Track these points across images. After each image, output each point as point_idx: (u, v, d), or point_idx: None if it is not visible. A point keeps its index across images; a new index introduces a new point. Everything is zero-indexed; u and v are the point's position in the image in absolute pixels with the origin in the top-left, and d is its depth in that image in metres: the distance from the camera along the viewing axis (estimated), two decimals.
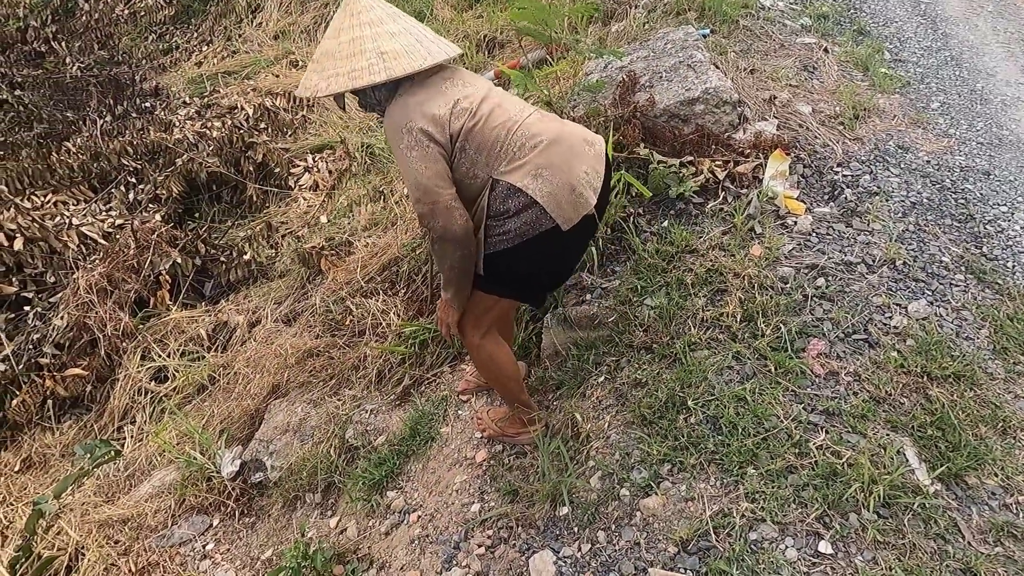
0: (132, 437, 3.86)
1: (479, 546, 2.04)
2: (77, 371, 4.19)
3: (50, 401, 4.24)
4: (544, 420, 2.31)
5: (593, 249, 2.56)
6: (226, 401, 3.44)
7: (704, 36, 3.81)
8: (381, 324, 3.14)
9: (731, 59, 3.53)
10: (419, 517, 2.26)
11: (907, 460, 1.82)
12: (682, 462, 1.90)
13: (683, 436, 1.96)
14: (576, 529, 1.90)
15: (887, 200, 2.68)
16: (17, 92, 6.85)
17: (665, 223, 2.64)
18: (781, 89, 3.36)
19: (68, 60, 7.47)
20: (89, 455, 3.67)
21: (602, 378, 2.27)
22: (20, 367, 4.30)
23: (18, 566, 3.02)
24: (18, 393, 4.24)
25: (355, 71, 1.83)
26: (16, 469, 4.06)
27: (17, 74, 7.25)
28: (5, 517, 3.66)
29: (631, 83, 2.99)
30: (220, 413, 3.38)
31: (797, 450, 1.85)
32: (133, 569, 2.76)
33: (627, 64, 3.22)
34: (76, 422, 4.20)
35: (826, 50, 3.86)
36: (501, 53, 5.85)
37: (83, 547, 3.01)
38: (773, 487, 1.78)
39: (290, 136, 6.09)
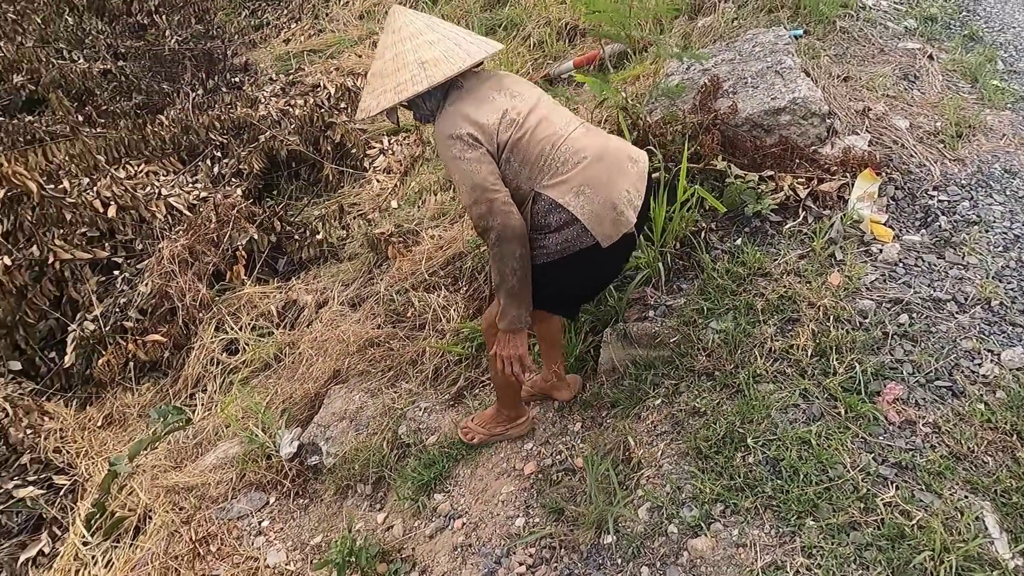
0: (202, 405, 3.98)
1: (520, 564, 1.99)
2: (157, 337, 4.34)
3: (132, 363, 4.42)
4: (531, 420, 2.37)
5: (660, 265, 2.44)
6: (289, 381, 3.49)
7: (796, 37, 3.57)
8: (441, 320, 3.11)
9: (824, 64, 3.30)
10: (463, 524, 2.23)
11: (986, 528, 1.65)
12: (736, 504, 1.79)
13: (739, 476, 1.84)
14: (619, 561, 1.82)
15: (987, 231, 2.45)
16: (120, 63, 7.12)
17: (738, 241, 2.49)
18: (877, 100, 3.11)
19: (167, 33, 7.70)
20: (163, 419, 3.82)
21: (659, 401, 2.17)
22: (107, 328, 4.49)
23: (93, 522, 3.17)
24: (104, 353, 4.43)
25: (400, 85, 1.86)
26: (99, 424, 4.26)
27: (121, 45, 7.53)
28: (86, 470, 3.85)
29: (713, 88, 2.83)
30: (283, 392, 3.44)
31: (863, 505, 1.71)
32: (193, 538, 2.84)
33: (710, 67, 3.04)
34: (154, 385, 4.36)
35: (931, 57, 3.56)
36: (582, 43, 5.67)
37: (150, 510, 3.12)
38: (833, 543, 1.65)
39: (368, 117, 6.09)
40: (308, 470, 3.01)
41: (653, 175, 2.44)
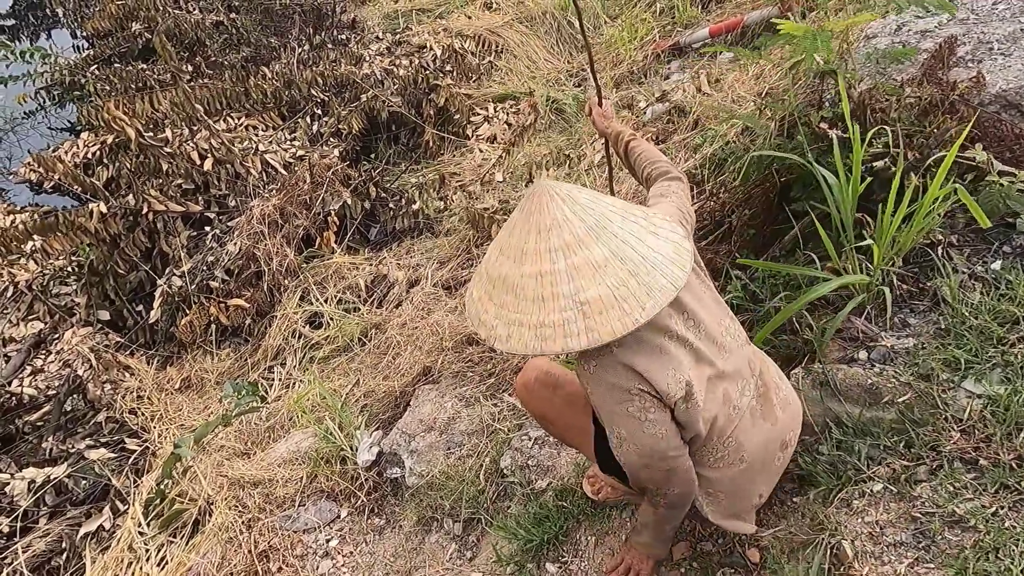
0: (280, 381, 3.48)
1: None
2: (239, 302, 3.86)
3: (214, 326, 3.97)
4: None
5: (886, 289, 1.67)
6: (373, 371, 2.91)
7: None
8: None
9: None
10: None
11: None
12: None
13: None
14: None
15: None
16: (232, 15, 6.69)
17: (996, 265, 1.69)
18: None
19: None
20: (237, 395, 3.33)
21: (880, 487, 1.43)
22: (192, 286, 4.06)
23: (151, 507, 2.70)
24: (187, 312, 4.00)
25: (544, 327, 1.22)
26: (176, 387, 3.83)
27: None
28: (159, 436, 3.42)
29: (947, 53, 2.00)
30: (365, 384, 2.86)
31: None
32: (253, 550, 2.32)
33: (933, 28, 2.20)
34: (234, 351, 3.90)
35: None
36: (719, 8, 4.80)
37: (211, 503, 2.62)
38: None
39: (474, 82, 5.43)
40: (387, 484, 2.43)
41: (875, 164, 1.67)
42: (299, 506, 2.46)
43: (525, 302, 1.23)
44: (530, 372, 1.72)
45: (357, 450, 2.50)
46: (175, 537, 2.53)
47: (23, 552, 2.76)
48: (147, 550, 2.50)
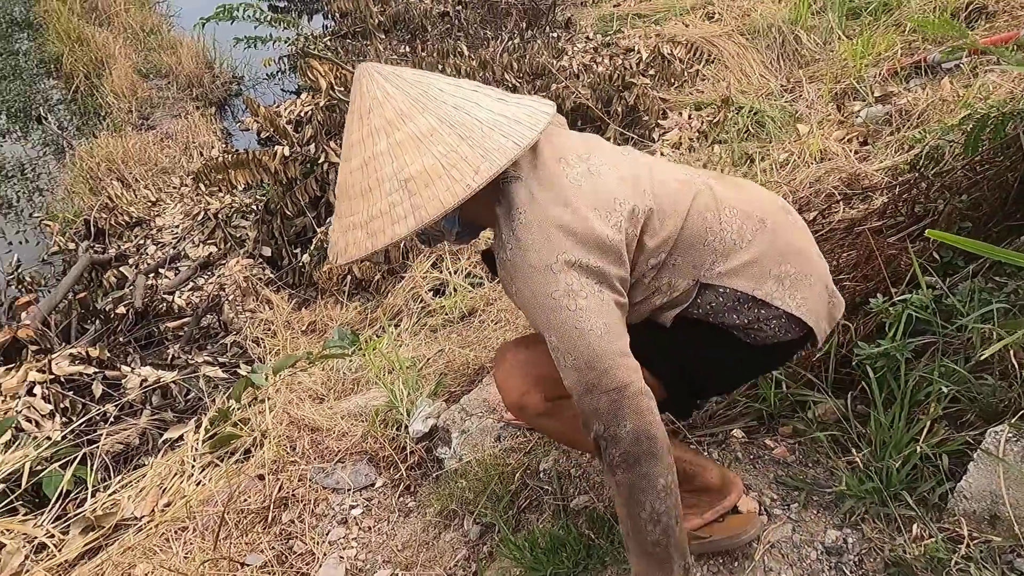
0: (390, 339, 3.28)
1: None
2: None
3: (349, 278, 3.92)
4: (740, 490, 1.26)
5: None
6: (462, 344, 2.57)
7: None
8: None
9: None
10: None
11: None
12: None
13: None
14: None
15: None
16: (458, 7, 6.90)
17: None
18: None
19: None
20: (342, 341, 3.18)
21: None
22: None
23: (213, 424, 2.59)
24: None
25: (373, 220, 1.04)
26: (303, 328, 3.82)
27: None
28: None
29: None
30: (448, 353, 2.52)
31: None
32: (274, 493, 2.06)
33: None
34: (360, 305, 3.80)
35: None
36: (988, 24, 3.86)
37: (265, 435, 2.43)
38: None
39: (675, 88, 4.96)
40: (432, 463, 2.05)
41: None
42: (338, 462, 2.17)
43: (355, 200, 1.05)
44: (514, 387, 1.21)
45: (412, 419, 2.16)
46: (221, 461, 2.37)
47: (108, 436, 2.78)
48: (193, 466, 2.36)
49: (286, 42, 6.52)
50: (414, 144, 1.02)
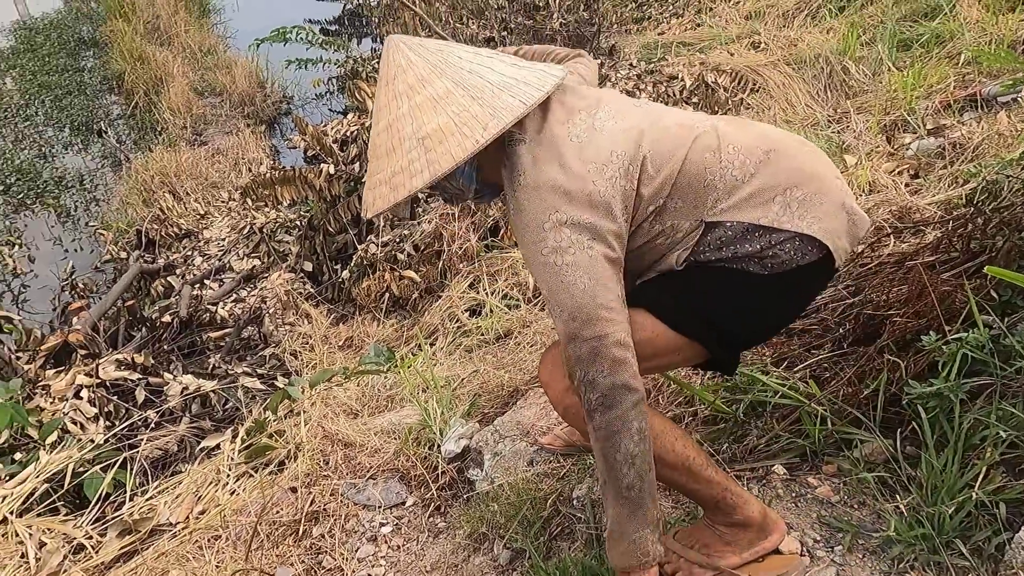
0: (425, 358, 3.29)
1: None
2: (411, 274, 3.78)
3: (387, 295, 3.95)
4: (782, 531, 1.22)
5: None
6: (496, 362, 2.56)
7: None
8: None
9: None
10: None
11: None
12: None
13: None
14: None
15: None
16: (504, 34, 7.00)
17: None
18: None
19: (555, 16, 7.44)
20: (378, 358, 3.20)
21: None
22: (381, 254, 4.10)
23: (249, 435, 2.62)
24: (371, 277, 4.05)
25: (395, 176, 1.13)
26: (340, 344, 3.86)
27: (512, 21, 7.46)
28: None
29: None
30: (483, 374, 2.51)
31: None
32: (306, 506, 2.07)
33: None
34: (397, 323, 3.83)
35: None
36: None
37: (299, 448, 2.45)
38: None
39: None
40: (463, 484, 2.03)
41: None
42: (369, 478, 2.17)
43: (381, 160, 1.15)
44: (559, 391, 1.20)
45: (444, 438, 2.15)
46: (255, 472, 2.39)
47: (148, 442, 2.84)
48: (227, 475, 2.38)
49: (336, 64, 6.70)
50: (431, 105, 1.11)
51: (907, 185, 2.40)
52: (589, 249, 1.07)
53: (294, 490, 2.15)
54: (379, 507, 2.06)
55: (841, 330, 1.57)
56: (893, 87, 4.12)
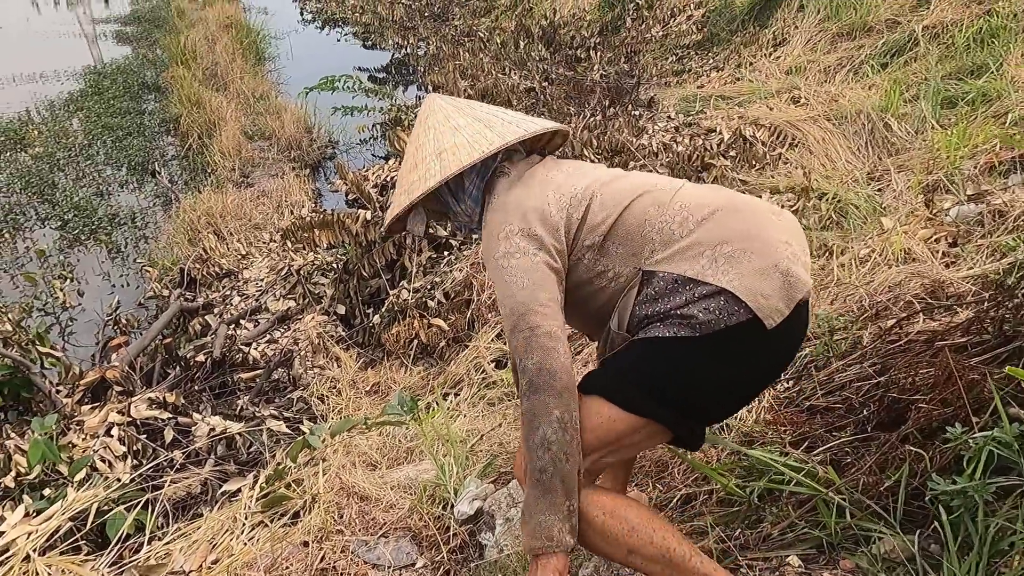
0: (449, 408, 3.28)
1: None
2: (440, 323, 3.80)
3: (416, 342, 3.98)
4: None
5: None
6: (518, 420, 2.53)
7: None
8: (732, 418, 1.80)
9: None
10: None
11: None
12: None
13: None
14: None
15: None
16: (544, 84, 7.13)
17: None
18: None
19: (596, 67, 7.57)
20: (401, 407, 3.20)
21: None
22: (412, 300, 4.14)
23: (269, 483, 2.63)
24: (401, 323, 4.08)
25: (412, 184, 1.37)
26: (367, 389, 3.88)
27: (554, 71, 7.61)
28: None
29: None
30: (503, 431, 2.49)
31: None
32: (316, 563, 2.06)
33: None
34: (424, 370, 3.84)
35: None
36: None
37: (315, 502, 2.45)
38: None
39: (756, 170, 4.89)
40: (474, 548, 1.99)
41: None
42: (381, 536, 2.15)
43: (404, 177, 1.39)
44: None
45: (458, 499, 2.12)
46: (270, 522, 2.39)
47: (172, 483, 2.88)
48: (244, 524, 2.39)
49: (380, 111, 6.91)
50: (451, 131, 1.35)
51: (943, 255, 2.33)
52: (534, 256, 1.21)
53: (306, 544, 2.14)
54: (389, 567, 2.04)
55: (865, 411, 1.51)
56: (936, 146, 4.04)
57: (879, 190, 4.10)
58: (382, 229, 1.42)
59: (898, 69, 5.40)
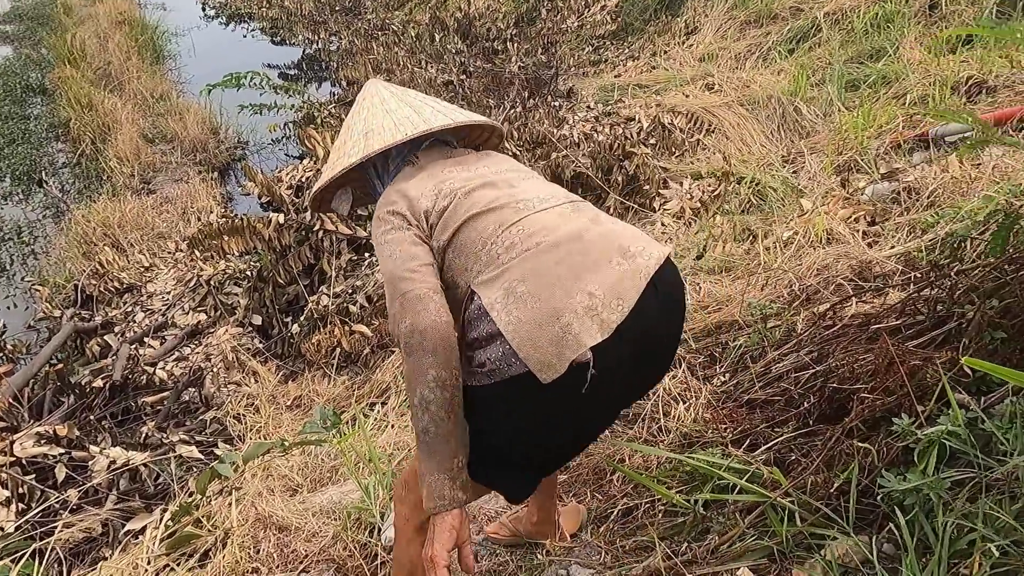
0: (374, 420, 3.08)
1: None
2: (363, 328, 3.59)
3: (338, 350, 3.74)
4: None
5: None
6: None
7: None
8: (668, 416, 1.70)
9: None
10: None
11: None
12: None
13: None
14: None
15: None
16: (462, 78, 6.95)
17: None
18: None
19: (514, 59, 7.44)
20: (323, 422, 2.98)
21: None
22: (332, 306, 3.90)
23: (176, 521, 2.36)
24: (321, 331, 3.84)
25: (337, 160, 1.38)
26: (288, 404, 3.62)
27: (471, 64, 7.44)
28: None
29: None
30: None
31: None
32: None
33: None
34: (348, 380, 3.61)
35: None
36: (990, 99, 3.78)
37: (228, 535, 2.21)
38: None
39: (676, 157, 4.89)
40: None
41: None
42: (302, 571, 1.94)
43: (334, 153, 1.42)
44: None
45: (384, 524, 1.94)
46: (177, 566, 2.14)
47: (65, 528, 2.56)
48: (147, 569, 2.13)
49: (292, 109, 6.56)
50: (382, 112, 1.36)
51: (863, 234, 2.31)
52: (404, 231, 1.22)
53: None
54: None
55: (806, 404, 1.43)
56: (844, 127, 4.11)
57: (794, 172, 4.14)
58: (305, 203, 1.40)
59: (804, 54, 5.51)
